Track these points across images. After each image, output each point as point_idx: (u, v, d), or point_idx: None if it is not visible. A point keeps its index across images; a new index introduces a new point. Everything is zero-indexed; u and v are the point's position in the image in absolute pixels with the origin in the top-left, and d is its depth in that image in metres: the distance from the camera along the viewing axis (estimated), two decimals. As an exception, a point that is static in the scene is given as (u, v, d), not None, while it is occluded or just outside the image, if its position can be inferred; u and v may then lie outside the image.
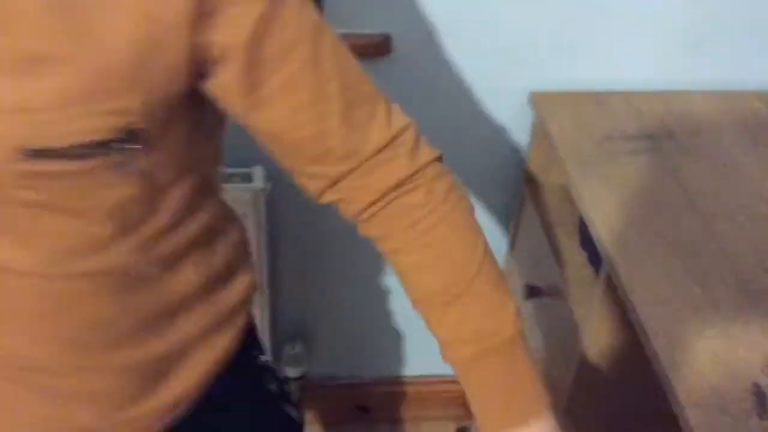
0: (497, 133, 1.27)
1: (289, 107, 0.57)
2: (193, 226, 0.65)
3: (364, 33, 1.12)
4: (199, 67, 0.54)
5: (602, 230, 0.98)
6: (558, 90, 1.20)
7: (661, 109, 1.20)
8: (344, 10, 1.10)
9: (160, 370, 0.69)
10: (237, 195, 1.15)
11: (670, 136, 1.13)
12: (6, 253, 0.57)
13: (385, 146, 0.60)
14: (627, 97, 1.21)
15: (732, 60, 1.23)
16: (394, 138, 0.61)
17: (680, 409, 0.78)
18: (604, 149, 1.11)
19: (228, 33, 0.53)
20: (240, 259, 0.75)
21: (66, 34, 0.49)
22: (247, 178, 1.18)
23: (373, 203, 0.62)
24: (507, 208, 1.37)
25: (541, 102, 1.19)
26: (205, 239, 0.68)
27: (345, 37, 0.63)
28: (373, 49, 1.12)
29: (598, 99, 1.21)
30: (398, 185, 0.61)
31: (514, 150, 1.29)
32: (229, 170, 1.17)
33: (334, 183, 0.62)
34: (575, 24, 1.16)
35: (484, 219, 1.37)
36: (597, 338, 1.05)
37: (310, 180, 0.63)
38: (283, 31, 0.55)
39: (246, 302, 0.78)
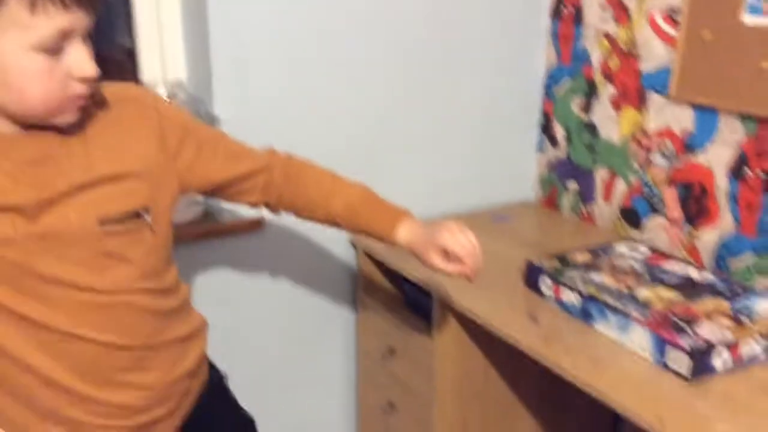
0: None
1: (220, 158, 1.18)
2: (173, 272, 1.13)
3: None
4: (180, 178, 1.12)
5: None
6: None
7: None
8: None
9: (181, 345, 1.14)
10: None
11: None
12: (86, 278, 0.98)
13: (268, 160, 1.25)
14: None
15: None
16: (268, 151, 1.28)
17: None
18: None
19: (187, 153, 1.12)
20: (190, 303, 1.20)
21: (128, 161, 1.02)
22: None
23: (279, 183, 1.25)
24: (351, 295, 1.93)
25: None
26: (177, 281, 1.15)
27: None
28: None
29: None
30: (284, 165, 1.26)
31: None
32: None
33: (263, 188, 1.24)
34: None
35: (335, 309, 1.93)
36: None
37: (249, 195, 1.24)
38: (204, 135, 1.16)
39: (203, 327, 1.22)
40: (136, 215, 1.02)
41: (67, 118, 0.96)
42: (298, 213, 1.30)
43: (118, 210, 1.00)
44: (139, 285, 1.04)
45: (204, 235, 1.64)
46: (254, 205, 1.28)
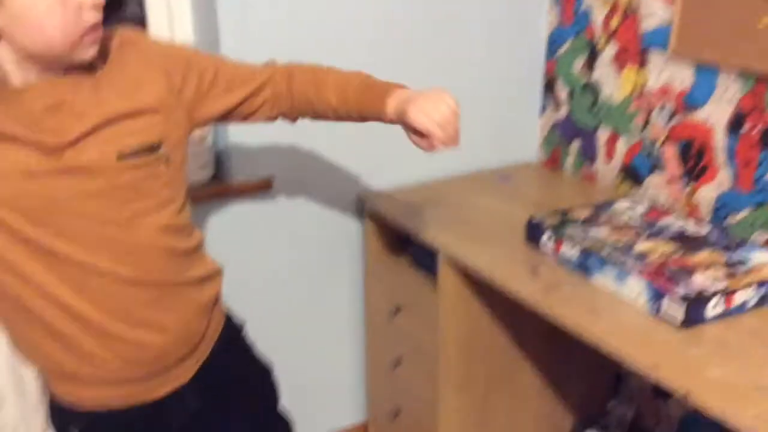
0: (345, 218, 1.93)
1: (224, 85, 1.23)
2: (187, 212, 1.20)
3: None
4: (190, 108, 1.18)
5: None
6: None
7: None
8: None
9: (196, 286, 1.20)
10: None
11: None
12: (106, 211, 1.05)
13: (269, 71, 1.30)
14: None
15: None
16: (267, 65, 1.32)
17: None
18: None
19: (190, 87, 1.17)
20: (204, 248, 1.27)
21: (139, 98, 1.08)
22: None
23: (285, 91, 1.29)
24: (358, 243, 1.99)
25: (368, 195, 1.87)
26: (192, 223, 1.21)
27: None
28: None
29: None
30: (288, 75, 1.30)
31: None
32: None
33: (272, 101, 1.29)
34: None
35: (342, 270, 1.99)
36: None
37: (262, 110, 1.29)
38: (206, 65, 1.21)
39: (218, 272, 1.28)
40: (151, 149, 1.08)
41: (86, 52, 1.02)
42: (313, 115, 1.33)
43: (134, 144, 1.06)
44: (156, 219, 1.11)
45: (214, 196, 1.69)
46: (270, 118, 1.32)
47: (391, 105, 1.22)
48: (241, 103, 1.26)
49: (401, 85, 1.26)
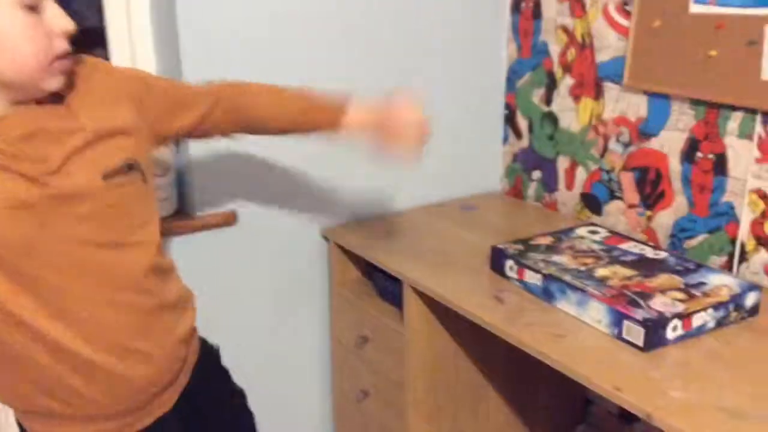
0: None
1: (180, 106, 1.26)
2: (160, 229, 1.20)
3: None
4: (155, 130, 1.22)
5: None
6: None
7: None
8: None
9: (176, 310, 1.21)
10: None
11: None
12: (96, 232, 1.06)
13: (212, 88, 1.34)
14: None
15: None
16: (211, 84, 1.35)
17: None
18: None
19: (151, 107, 1.20)
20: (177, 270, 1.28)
21: (112, 120, 1.10)
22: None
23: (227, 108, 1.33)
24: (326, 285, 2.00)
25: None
26: (164, 253, 1.22)
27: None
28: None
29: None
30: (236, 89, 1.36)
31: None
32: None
33: (221, 120, 1.32)
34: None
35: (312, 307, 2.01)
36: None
37: (214, 129, 1.33)
38: (163, 87, 1.25)
39: (191, 297, 1.29)
40: (130, 167, 1.10)
41: (55, 81, 1.03)
42: (253, 132, 1.41)
43: (115, 163, 1.08)
44: (140, 238, 1.12)
45: (177, 231, 1.68)
46: (225, 131, 1.38)
47: (347, 123, 1.38)
48: (197, 119, 1.29)
49: (346, 99, 1.39)
